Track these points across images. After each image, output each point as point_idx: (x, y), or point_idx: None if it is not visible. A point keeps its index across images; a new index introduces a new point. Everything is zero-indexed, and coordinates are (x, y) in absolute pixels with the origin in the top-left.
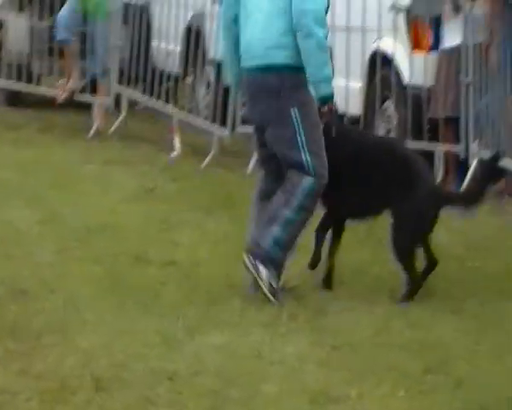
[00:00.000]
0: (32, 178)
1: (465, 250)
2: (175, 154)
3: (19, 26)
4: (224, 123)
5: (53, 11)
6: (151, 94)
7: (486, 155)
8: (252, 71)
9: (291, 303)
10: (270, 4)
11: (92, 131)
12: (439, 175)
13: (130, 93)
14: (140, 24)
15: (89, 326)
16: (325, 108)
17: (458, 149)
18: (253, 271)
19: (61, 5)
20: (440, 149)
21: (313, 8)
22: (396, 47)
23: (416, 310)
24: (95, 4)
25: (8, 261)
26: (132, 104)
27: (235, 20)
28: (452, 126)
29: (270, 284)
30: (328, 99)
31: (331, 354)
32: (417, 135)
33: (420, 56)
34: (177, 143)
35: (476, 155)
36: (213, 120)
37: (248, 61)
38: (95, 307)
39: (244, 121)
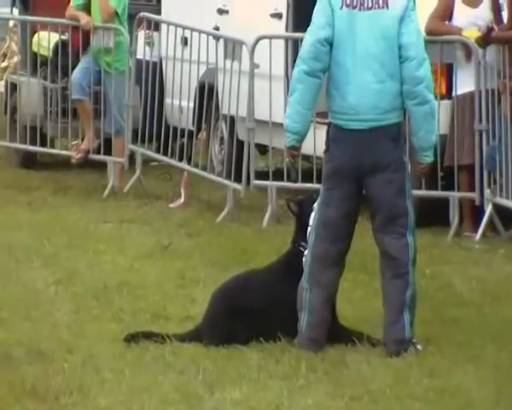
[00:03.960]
0: (47, 239)
1: (482, 297)
2: (180, 203)
3: (32, 89)
4: (238, 178)
5: (66, 73)
6: (165, 151)
7: (501, 200)
8: (360, 128)
9: (309, 355)
10: (381, 67)
11: (107, 191)
12: (454, 223)
13: (144, 151)
14: (153, 82)
15: (107, 385)
16: (425, 166)
17: (473, 195)
18: (415, 351)
19: (74, 67)
20: (455, 196)
21: (425, 75)
22: None
23: (434, 359)
24: (109, 63)
25: (26, 323)
26: (146, 162)
27: (321, 74)
28: (468, 173)
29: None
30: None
31: (350, 405)
32: (431, 183)
33: None
34: (183, 196)
35: (490, 200)
36: (228, 176)
37: (355, 123)
38: (113, 365)
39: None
